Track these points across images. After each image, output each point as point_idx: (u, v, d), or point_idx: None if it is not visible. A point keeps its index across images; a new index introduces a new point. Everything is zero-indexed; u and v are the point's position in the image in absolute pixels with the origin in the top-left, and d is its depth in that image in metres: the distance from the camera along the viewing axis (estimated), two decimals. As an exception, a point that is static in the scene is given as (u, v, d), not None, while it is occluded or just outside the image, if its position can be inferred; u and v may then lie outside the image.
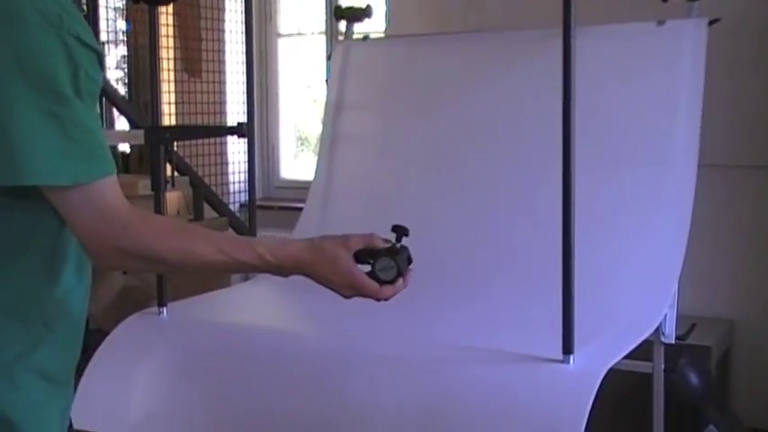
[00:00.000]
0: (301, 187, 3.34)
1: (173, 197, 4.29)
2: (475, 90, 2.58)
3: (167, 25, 4.16)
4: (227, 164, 4.32)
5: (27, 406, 1.14)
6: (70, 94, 1.06)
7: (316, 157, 2.84)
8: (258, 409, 1.88)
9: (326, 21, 4.93)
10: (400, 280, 1.33)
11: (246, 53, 4.04)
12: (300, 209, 2.74)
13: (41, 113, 1.04)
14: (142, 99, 4.37)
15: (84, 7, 3.43)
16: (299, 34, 5.25)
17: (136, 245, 1.13)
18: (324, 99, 2.87)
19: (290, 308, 2.52)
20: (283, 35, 5.28)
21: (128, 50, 4.69)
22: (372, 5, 2.82)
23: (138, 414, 2.02)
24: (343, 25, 2.87)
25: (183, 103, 4.11)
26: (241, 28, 4.17)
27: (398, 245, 1.33)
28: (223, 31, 4.36)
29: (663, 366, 2.30)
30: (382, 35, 3.76)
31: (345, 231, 2.71)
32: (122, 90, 4.54)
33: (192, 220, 3.73)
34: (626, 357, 1.82)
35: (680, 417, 2.66)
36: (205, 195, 3.75)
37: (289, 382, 1.89)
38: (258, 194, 4.49)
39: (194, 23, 4.26)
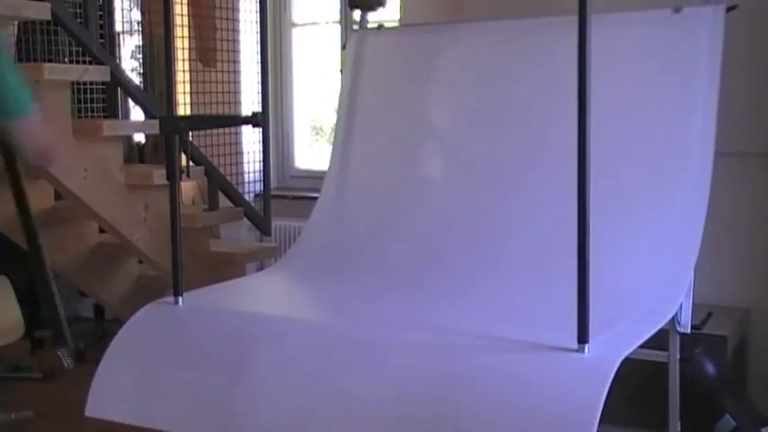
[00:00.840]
0: (316, 177, 3.34)
1: (187, 187, 4.30)
2: (490, 78, 2.57)
3: (182, 15, 4.16)
4: (241, 153, 4.32)
5: None
6: None
7: (330, 147, 2.84)
8: (273, 396, 1.88)
9: (341, 10, 4.93)
10: None
11: (261, 43, 4.06)
12: (315, 198, 2.74)
13: None
14: (157, 89, 4.38)
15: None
16: (314, 24, 5.25)
17: None
18: (338, 89, 2.87)
19: (305, 296, 2.52)
20: (298, 25, 5.28)
21: (142, 40, 4.70)
22: (385, -5, 2.82)
23: (154, 403, 2.03)
24: (357, 14, 2.87)
25: (197, 93, 4.11)
26: (256, 18, 4.17)
27: None
28: (237, 21, 4.36)
29: (678, 356, 2.29)
30: (397, 24, 3.75)
31: (359, 221, 2.73)
32: (137, 80, 4.55)
33: (207, 209, 3.74)
34: (641, 346, 1.81)
35: (696, 406, 2.66)
36: (220, 185, 3.76)
37: (304, 369, 1.89)
38: (273, 184, 4.50)
39: (209, 13, 4.26)
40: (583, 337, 1.69)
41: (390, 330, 1.95)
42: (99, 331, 4.41)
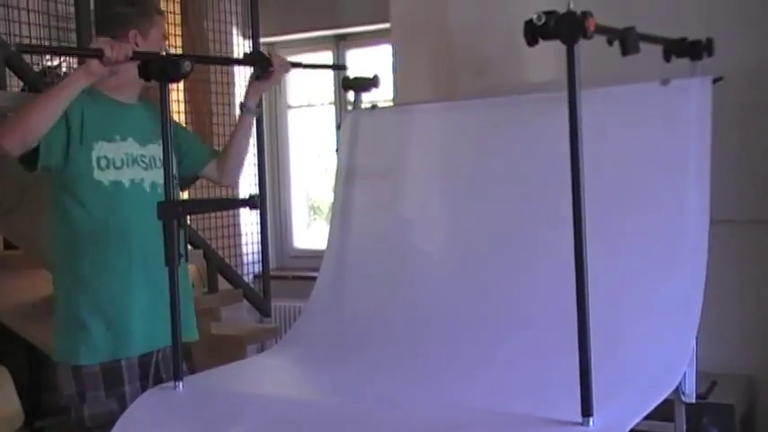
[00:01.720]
0: (315, 256, 3.35)
1: (187, 270, 4.30)
2: (484, 154, 2.60)
3: (178, 101, 4.22)
4: (240, 235, 4.34)
5: None
6: None
7: (328, 226, 2.86)
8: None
9: (335, 91, 5.01)
10: None
11: (257, 126, 4.11)
12: (314, 278, 2.75)
13: None
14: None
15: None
16: (309, 105, 5.33)
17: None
18: (334, 168, 2.90)
19: (306, 377, 2.50)
20: (293, 107, 5.36)
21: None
22: (379, 75, 2.87)
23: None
24: (351, 95, 2.91)
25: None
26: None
27: None
28: (234, 105, 4.42)
29: (685, 426, 2.26)
30: (390, 104, 3.81)
31: (360, 299, 2.73)
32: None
33: (207, 292, 3.74)
34: (647, 418, 1.79)
35: (706, 477, 2.62)
36: (219, 267, 3.77)
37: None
38: (272, 264, 4.51)
39: (205, 98, 4.33)
40: (587, 410, 1.68)
41: (392, 410, 1.94)
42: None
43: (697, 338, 2.08)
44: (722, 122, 2.28)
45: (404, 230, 2.71)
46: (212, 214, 3.95)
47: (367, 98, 2.89)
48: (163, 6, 3.40)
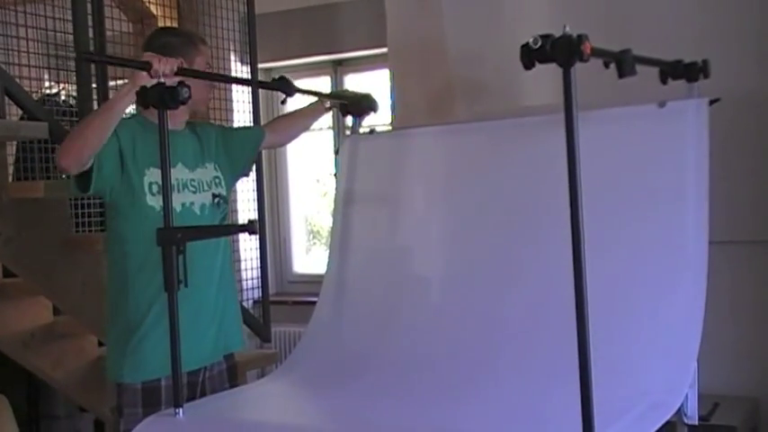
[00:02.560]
0: (314, 281, 3.35)
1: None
2: (483, 177, 2.61)
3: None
4: (239, 261, 4.34)
5: None
6: None
7: (327, 251, 2.86)
8: None
9: (333, 116, 5.02)
10: None
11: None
12: (314, 303, 2.74)
13: None
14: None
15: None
16: (308, 130, 5.34)
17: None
18: (333, 192, 2.90)
19: (306, 403, 2.50)
20: (292, 132, 5.37)
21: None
22: (377, 100, 2.88)
23: None
24: (349, 120, 2.92)
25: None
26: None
27: None
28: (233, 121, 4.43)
29: (688, 449, 2.25)
30: (388, 128, 3.82)
31: (359, 324, 2.73)
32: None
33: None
34: (649, 441, 1.79)
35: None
36: (218, 293, 3.76)
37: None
38: (271, 290, 4.50)
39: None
40: (589, 435, 1.67)
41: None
42: (99, 447, 4.34)
43: (698, 360, 2.07)
44: (718, 144, 2.29)
45: (403, 255, 2.71)
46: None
47: (365, 123, 2.90)
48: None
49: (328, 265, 2.78)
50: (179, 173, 2.53)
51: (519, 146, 2.56)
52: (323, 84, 5.08)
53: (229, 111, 4.41)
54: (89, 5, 3.40)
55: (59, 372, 3.41)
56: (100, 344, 3.57)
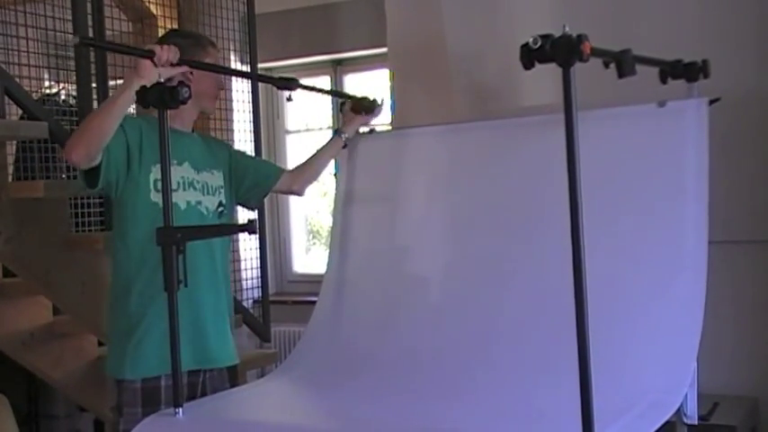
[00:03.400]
0: (314, 281, 3.35)
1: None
2: (482, 176, 2.61)
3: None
4: (239, 261, 4.34)
5: None
6: None
7: (327, 250, 2.86)
8: None
9: (333, 116, 5.02)
10: None
11: (255, 151, 4.12)
12: (314, 302, 2.74)
13: None
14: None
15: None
16: (308, 130, 5.34)
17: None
18: (333, 192, 2.90)
19: (305, 403, 2.50)
20: (291, 132, 5.37)
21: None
22: (377, 99, 2.88)
23: None
24: (355, 120, 2.92)
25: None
26: (250, 127, 4.25)
27: None
28: (232, 131, 4.44)
29: (688, 448, 2.25)
30: (388, 128, 3.82)
31: (358, 324, 2.73)
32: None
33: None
34: (649, 441, 1.79)
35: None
36: (218, 293, 3.76)
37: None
38: (271, 290, 4.50)
39: (203, 125, 4.33)
40: (588, 435, 1.67)
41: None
42: (99, 447, 4.34)
43: (698, 360, 2.07)
44: (718, 144, 2.29)
45: (402, 255, 2.71)
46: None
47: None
48: (161, 33, 3.41)
49: (328, 265, 2.78)
50: (185, 171, 2.53)
51: (519, 146, 2.56)
52: (323, 83, 5.08)
53: (229, 110, 4.41)
54: (89, 5, 3.40)
55: (59, 371, 3.41)
56: (99, 343, 3.56)
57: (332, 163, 2.89)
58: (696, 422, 2.12)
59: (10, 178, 3.31)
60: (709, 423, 2.86)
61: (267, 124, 5.19)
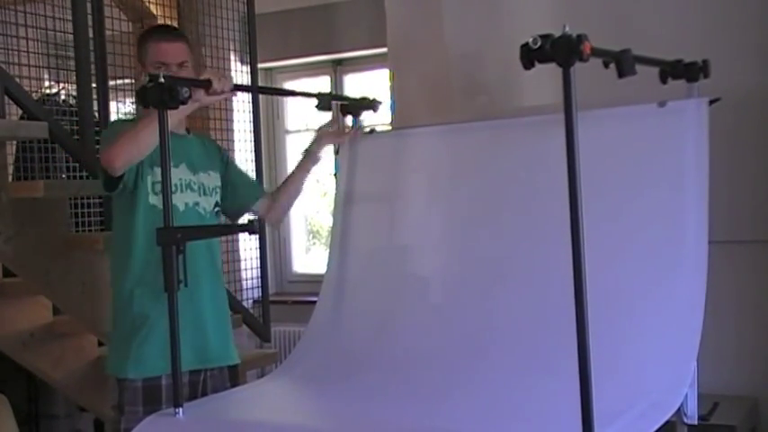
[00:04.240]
0: (314, 281, 3.35)
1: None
2: (482, 176, 2.61)
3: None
4: (239, 261, 4.34)
5: None
6: None
7: (327, 250, 2.86)
8: None
9: (333, 116, 5.02)
10: None
11: (255, 151, 4.12)
12: (314, 302, 2.74)
13: None
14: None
15: (96, 114, 3.50)
16: (308, 130, 5.33)
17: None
18: (333, 192, 2.90)
19: (305, 403, 2.50)
20: (291, 132, 5.37)
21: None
22: (377, 99, 2.88)
23: None
24: (349, 120, 2.92)
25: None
26: (250, 127, 4.25)
27: None
28: (232, 131, 4.43)
29: (688, 448, 2.25)
30: (388, 128, 3.81)
31: (359, 324, 2.73)
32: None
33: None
34: (649, 440, 1.79)
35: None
36: (218, 293, 3.76)
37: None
38: (271, 289, 4.50)
39: (204, 124, 4.33)
40: (588, 435, 1.67)
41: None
42: (99, 447, 4.34)
43: (698, 360, 2.07)
44: (718, 143, 2.29)
45: (402, 255, 2.71)
46: (211, 240, 3.95)
47: (365, 123, 2.90)
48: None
49: (328, 265, 2.78)
50: (182, 173, 2.54)
51: (519, 146, 2.56)
52: (323, 83, 5.08)
53: (229, 110, 4.41)
54: (89, 5, 3.40)
55: (59, 371, 3.41)
56: (100, 343, 3.56)
57: (332, 163, 2.89)
58: (696, 422, 2.12)
59: (10, 178, 3.31)
60: (709, 423, 2.86)
61: (267, 124, 5.19)
